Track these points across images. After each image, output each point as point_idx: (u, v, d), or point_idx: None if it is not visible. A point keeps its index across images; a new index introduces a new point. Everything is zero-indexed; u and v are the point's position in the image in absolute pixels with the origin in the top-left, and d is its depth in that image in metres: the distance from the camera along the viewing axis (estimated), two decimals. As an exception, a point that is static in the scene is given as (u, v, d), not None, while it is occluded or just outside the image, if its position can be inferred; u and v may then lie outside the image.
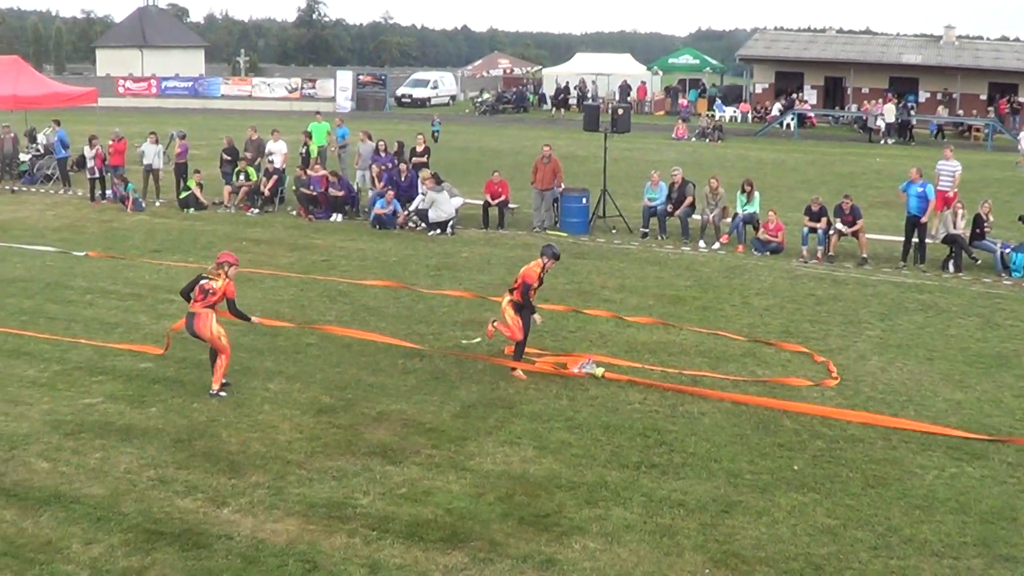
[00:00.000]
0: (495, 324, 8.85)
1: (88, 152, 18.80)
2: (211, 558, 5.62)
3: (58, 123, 20.91)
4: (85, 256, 13.66)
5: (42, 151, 22.25)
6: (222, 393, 8.19)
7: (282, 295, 11.61)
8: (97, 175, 18.58)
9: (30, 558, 5.55)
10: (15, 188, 20.25)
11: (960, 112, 35.57)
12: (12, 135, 20.99)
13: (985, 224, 13.35)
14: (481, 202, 16.28)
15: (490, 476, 6.67)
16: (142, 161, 18.53)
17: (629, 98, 38.66)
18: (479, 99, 44.26)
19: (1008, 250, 12.91)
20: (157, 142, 18.76)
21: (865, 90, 36.81)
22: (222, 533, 5.93)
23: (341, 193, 16.81)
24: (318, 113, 21.70)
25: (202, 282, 8.15)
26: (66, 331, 10.16)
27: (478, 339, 9.67)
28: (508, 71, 50.11)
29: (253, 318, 8.79)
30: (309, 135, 18.98)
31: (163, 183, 18.89)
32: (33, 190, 20.44)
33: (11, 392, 8.30)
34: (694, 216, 15.17)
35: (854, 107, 35.98)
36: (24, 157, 21.90)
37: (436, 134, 27.19)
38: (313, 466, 6.89)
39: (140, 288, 12.04)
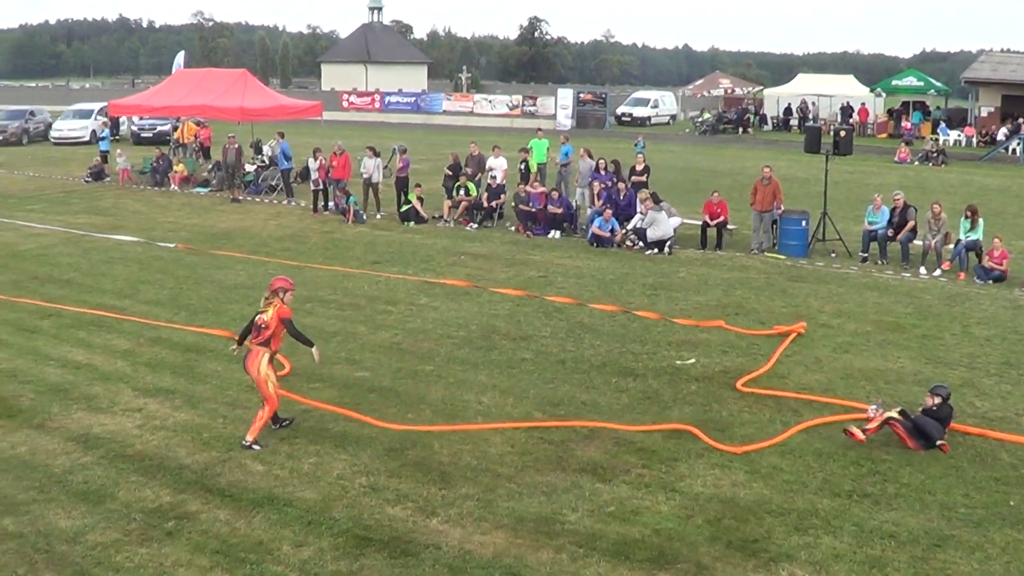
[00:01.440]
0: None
1: (312, 164, 20.61)
2: (418, 567, 6.05)
3: (282, 135, 22.88)
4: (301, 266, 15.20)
5: (267, 162, 24.43)
6: (255, 447, 7.97)
7: (498, 309, 12.48)
8: (320, 187, 20.31)
9: (241, 557, 6.15)
10: (239, 198, 22.32)
11: None
12: (237, 146, 22.91)
13: None
14: (699, 222, 17.13)
15: (699, 498, 7.04)
16: (362, 174, 20.31)
17: (851, 120, 40.50)
18: (699, 119, 46.05)
19: None
20: (376, 156, 20.41)
21: (1099, 116, 36.53)
22: (430, 543, 6.36)
23: (560, 210, 17.75)
24: (539, 130, 23.16)
25: (256, 318, 8.08)
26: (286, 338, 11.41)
27: (692, 360, 10.26)
28: (729, 91, 51.93)
29: (314, 350, 8.29)
30: (529, 151, 20.14)
31: (383, 196, 20.51)
32: (257, 200, 22.65)
33: (230, 395, 9.32)
34: (915, 241, 15.88)
35: (1086, 133, 35.64)
36: (249, 168, 24.23)
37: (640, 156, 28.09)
38: (523, 480, 7.33)
39: (359, 298, 13.18)
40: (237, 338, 8.43)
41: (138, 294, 13.58)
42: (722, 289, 13.51)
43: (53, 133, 38.66)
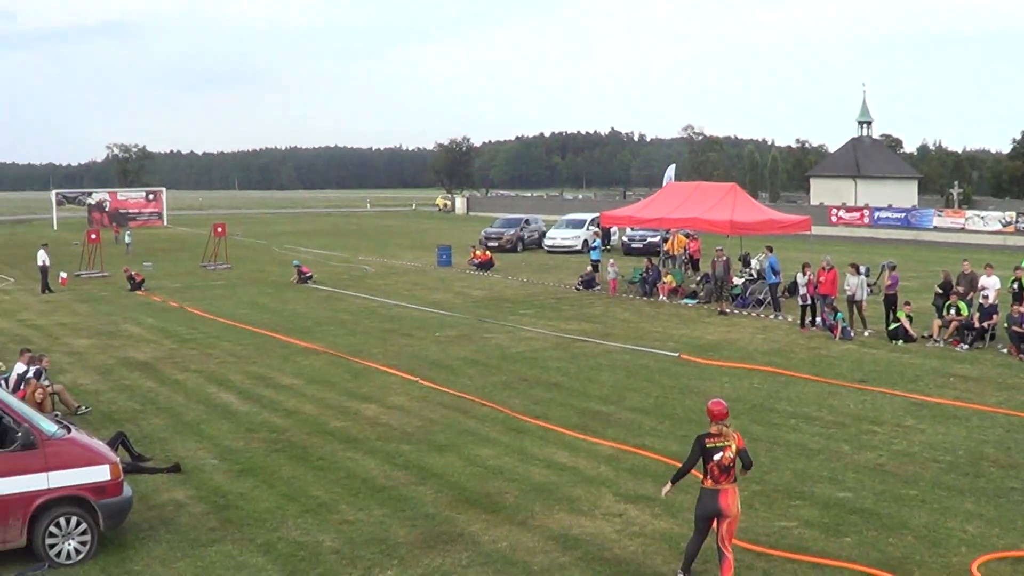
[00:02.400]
0: None
1: (800, 279, 21.31)
2: None
3: (771, 249, 23.88)
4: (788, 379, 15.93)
5: (754, 276, 25.64)
6: None
7: (987, 435, 12.47)
8: (807, 302, 20.94)
9: None
10: (727, 310, 23.63)
11: None
12: (725, 258, 24.50)
13: None
14: None
15: None
16: (845, 291, 21.03)
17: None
18: None
19: None
20: (859, 273, 20.73)
21: None
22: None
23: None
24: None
25: (714, 458, 7.75)
26: (768, 453, 11.84)
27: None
28: None
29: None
30: (1023, 270, 19.93)
31: (869, 313, 20.89)
32: (744, 313, 23.87)
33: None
34: None
35: None
36: (737, 281, 25.51)
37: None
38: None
39: (843, 416, 13.54)
40: (672, 479, 8.10)
41: (624, 400, 14.73)
42: None
43: (547, 241, 43.47)
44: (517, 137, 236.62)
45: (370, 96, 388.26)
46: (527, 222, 46.47)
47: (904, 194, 70.85)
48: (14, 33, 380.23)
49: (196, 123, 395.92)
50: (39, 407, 12.81)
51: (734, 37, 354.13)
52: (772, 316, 23.02)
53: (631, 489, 10.50)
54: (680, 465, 8.16)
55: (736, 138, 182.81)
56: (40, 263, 30.67)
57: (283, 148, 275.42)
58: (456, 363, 18.35)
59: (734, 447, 7.79)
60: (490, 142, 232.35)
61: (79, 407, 14.93)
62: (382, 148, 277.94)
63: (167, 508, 10.50)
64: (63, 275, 31.87)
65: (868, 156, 75.36)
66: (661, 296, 26.66)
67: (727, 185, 27.95)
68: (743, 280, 25.69)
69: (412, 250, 46.04)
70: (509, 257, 40.76)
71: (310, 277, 32.59)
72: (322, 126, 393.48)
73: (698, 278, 28.04)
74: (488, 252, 37.60)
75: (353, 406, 15.16)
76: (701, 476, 8.02)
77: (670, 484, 8.11)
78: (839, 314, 19.90)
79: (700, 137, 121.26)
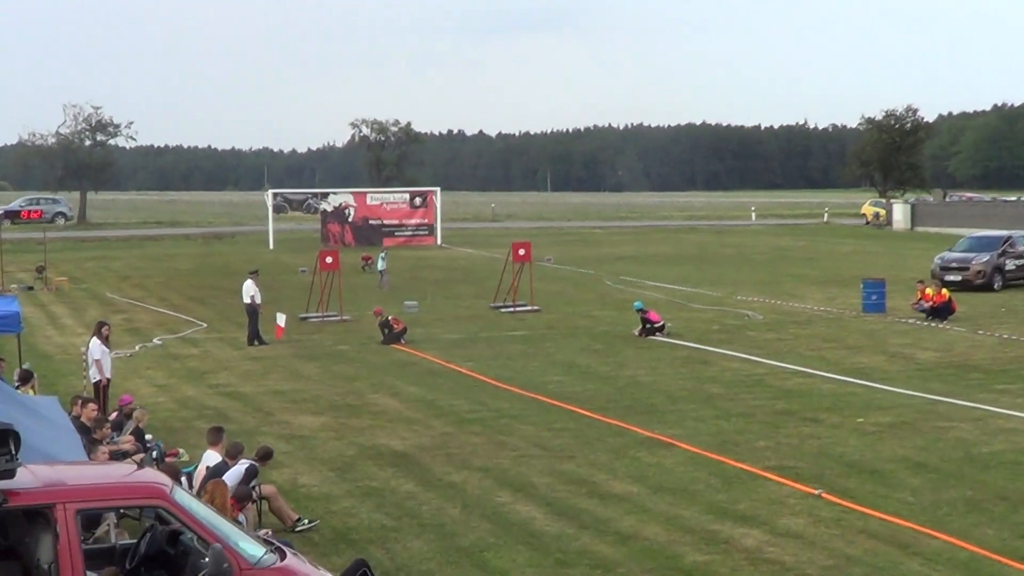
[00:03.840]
0: None
1: None
2: None
3: None
4: None
5: None
6: None
7: None
8: None
9: None
10: None
11: None
12: None
13: None
14: None
15: None
16: None
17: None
18: None
19: None
20: None
21: None
22: None
23: None
24: None
25: None
26: None
27: None
28: None
29: None
30: None
31: None
32: None
33: None
34: None
35: None
36: None
37: None
38: None
39: None
40: None
41: None
42: None
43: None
44: (996, 106, 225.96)
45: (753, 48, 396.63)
46: (1011, 243, 46.91)
47: None
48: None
49: (479, 90, 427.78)
50: (229, 513, 14.42)
51: None
52: None
53: None
54: None
55: None
56: (247, 300, 34.18)
57: (619, 127, 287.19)
58: (890, 468, 18.76)
59: None
60: (949, 115, 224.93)
61: (299, 520, 16.54)
62: (775, 126, 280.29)
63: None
64: (281, 319, 35.06)
65: None
66: None
67: None
68: None
69: (821, 286, 46.61)
70: (981, 299, 41.52)
71: (661, 327, 33.85)
72: (679, 95, 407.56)
73: None
74: (946, 291, 37.56)
75: (724, 531, 15.64)
76: None
77: None
78: None
79: None
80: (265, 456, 17.13)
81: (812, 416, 22.63)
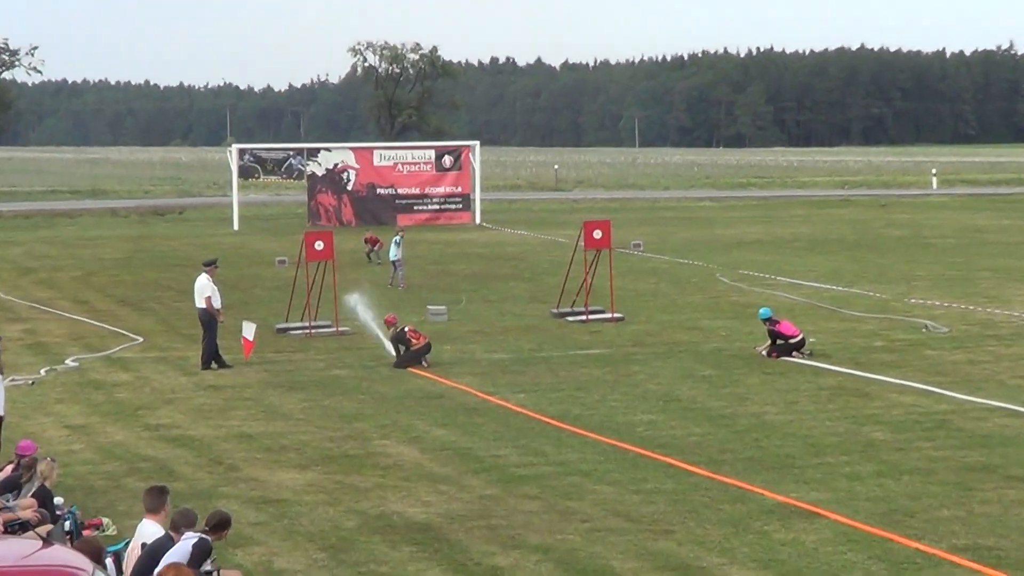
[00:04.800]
0: None
1: None
2: None
3: None
4: None
5: None
6: None
7: None
8: None
9: None
10: None
11: None
12: None
13: None
14: None
15: None
16: None
17: None
18: None
19: None
20: None
21: None
22: None
23: None
24: None
25: None
26: None
27: None
28: None
29: None
30: None
31: None
32: None
33: None
34: None
35: None
36: None
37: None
38: None
39: None
40: None
41: None
42: None
43: None
44: None
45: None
46: None
47: None
48: None
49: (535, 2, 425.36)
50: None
51: None
52: None
53: None
54: None
55: None
56: (201, 304, 34.36)
57: (738, 53, 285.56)
58: None
59: None
60: None
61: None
62: (966, 52, 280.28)
63: None
64: (249, 331, 35.01)
65: None
66: None
67: None
68: None
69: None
70: None
71: (799, 344, 33.74)
72: (825, 6, 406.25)
73: None
74: None
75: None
76: None
77: None
78: None
79: None
80: (218, 525, 17.07)
81: (1021, 474, 22.39)
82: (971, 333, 36.76)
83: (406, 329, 34.08)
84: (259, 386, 31.41)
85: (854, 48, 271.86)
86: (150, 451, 25.47)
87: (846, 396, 29.02)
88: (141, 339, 37.89)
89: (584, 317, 40.09)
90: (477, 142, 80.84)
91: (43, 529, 17.79)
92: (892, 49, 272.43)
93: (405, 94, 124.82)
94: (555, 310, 41.20)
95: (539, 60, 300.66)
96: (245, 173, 75.72)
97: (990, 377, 30.67)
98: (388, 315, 35.65)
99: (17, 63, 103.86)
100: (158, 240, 65.58)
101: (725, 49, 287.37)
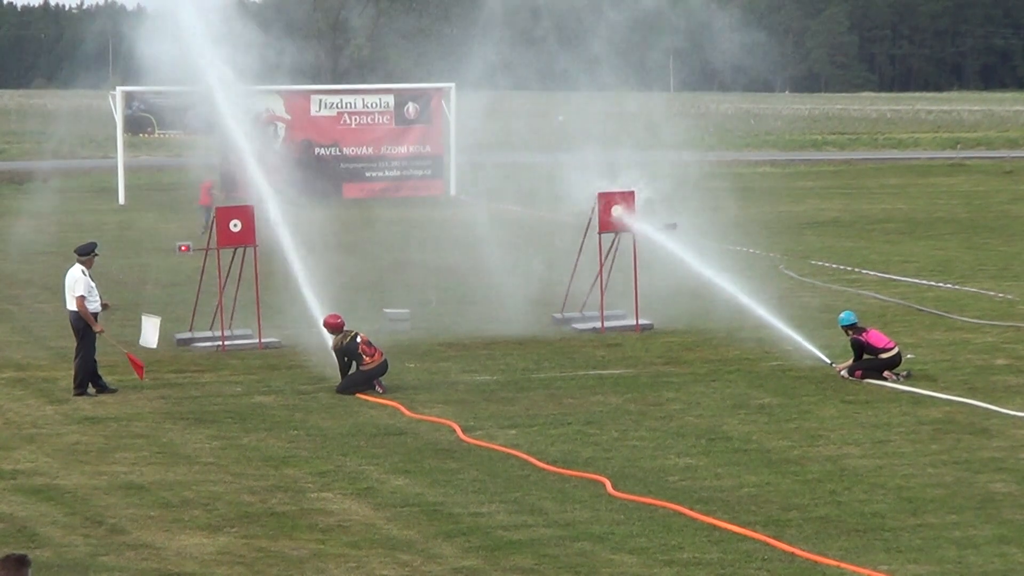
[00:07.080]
0: None
1: None
2: None
3: None
4: None
5: None
6: None
7: None
8: None
9: None
10: None
11: None
12: None
13: None
14: None
15: None
16: None
17: None
18: None
19: None
20: None
21: None
22: None
23: None
24: None
25: None
26: None
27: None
28: None
29: None
30: None
31: None
32: None
33: None
34: None
35: None
36: None
37: None
38: None
39: None
40: None
41: None
42: None
43: None
44: None
45: None
46: None
47: None
48: None
49: None
50: None
51: None
52: None
53: None
54: None
55: None
56: (73, 308, 34.62)
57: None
58: None
59: None
60: None
61: None
62: None
63: None
64: (150, 331, 36.09)
65: None
66: None
67: None
68: None
69: None
70: None
71: (892, 361, 33.97)
72: None
73: None
74: None
75: None
76: None
77: None
78: None
79: None
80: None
81: None
82: None
83: (358, 338, 34.24)
84: (154, 418, 31.62)
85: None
86: (3, 507, 25.55)
87: (956, 433, 29.28)
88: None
89: (598, 325, 40.30)
90: (453, 84, 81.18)
91: None
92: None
93: (355, 16, 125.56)
94: (558, 315, 41.53)
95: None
96: (134, 126, 75.95)
97: None
98: (329, 315, 35.67)
99: None
100: (16, 218, 65.71)
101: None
